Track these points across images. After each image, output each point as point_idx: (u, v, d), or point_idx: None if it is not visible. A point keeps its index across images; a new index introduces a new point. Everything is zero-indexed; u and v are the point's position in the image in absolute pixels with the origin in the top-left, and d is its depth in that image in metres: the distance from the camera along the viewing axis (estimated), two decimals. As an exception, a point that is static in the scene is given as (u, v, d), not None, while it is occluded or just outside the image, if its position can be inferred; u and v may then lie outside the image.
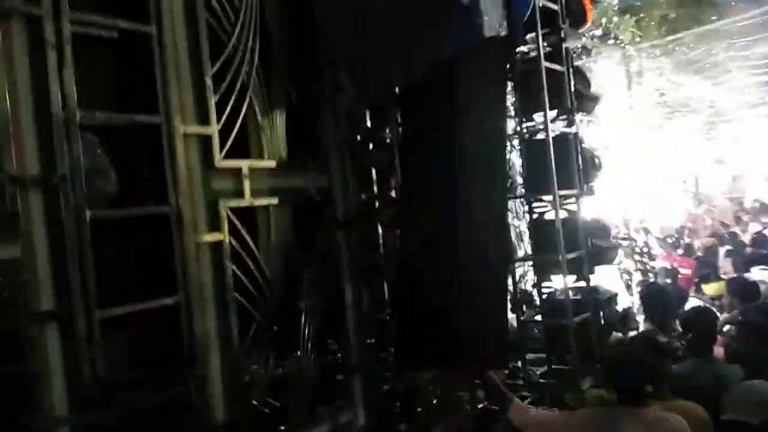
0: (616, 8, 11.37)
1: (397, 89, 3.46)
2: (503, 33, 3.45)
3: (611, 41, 12.36)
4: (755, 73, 16.16)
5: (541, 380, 4.40)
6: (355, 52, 3.14)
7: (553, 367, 4.58)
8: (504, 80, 3.74)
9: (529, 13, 3.94)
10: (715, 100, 18.58)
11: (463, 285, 3.36)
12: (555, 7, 4.41)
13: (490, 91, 3.46)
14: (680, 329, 4.43)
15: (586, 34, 11.45)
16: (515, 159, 4.92)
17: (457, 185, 3.34)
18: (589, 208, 4.89)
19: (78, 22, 2.38)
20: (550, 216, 4.50)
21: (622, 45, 12.47)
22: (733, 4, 13.84)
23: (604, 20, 11.33)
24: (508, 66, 3.86)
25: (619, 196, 12.53)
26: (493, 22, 3.30)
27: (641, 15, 13.20)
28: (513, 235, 5.36)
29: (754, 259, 7.55)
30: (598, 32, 11.30)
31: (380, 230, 3.65)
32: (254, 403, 2.88)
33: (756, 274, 7.01)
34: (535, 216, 4.59)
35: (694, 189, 17.11)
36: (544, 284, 4.60)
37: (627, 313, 4.75)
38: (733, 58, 15.01)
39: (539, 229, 4.54)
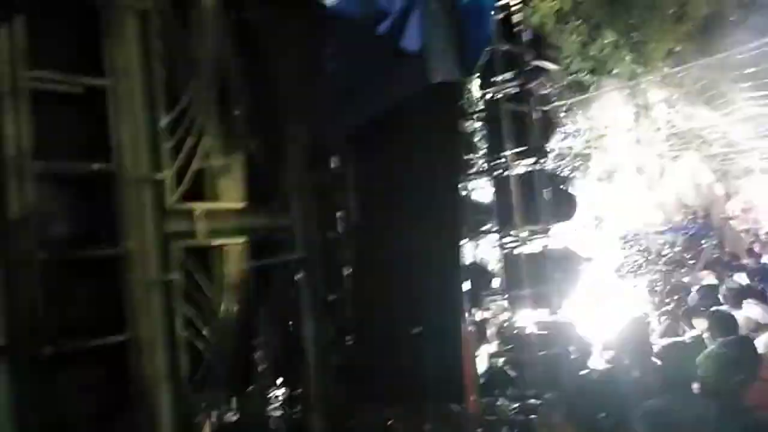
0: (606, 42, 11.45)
1: (352, 133, 3.61)
2: (456, 77, 3.60)
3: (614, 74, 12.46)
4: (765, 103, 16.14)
5: (512, 415, 4.43)
6: (309, 98, 3.31)
7: (527, 402, 4.61)
8: (457, 121, 3.87)
9: (486, 58, 4.09)
10: (727, 131, 18.53)
11: (416, 324, 3.45)
12: (520, 51, 4.56)
13: (443, 133, 3.60)
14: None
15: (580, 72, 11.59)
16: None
17: (409, 226, 3.46)
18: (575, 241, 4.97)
19: (38, 78, 2.59)
20: (525, 250, 4.59)
21: (623, 79, 12.57)
22: (738, 34, 13.90)
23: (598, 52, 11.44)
24: (462, 107, 4.00)
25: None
26: (444, 68, 3.45)
27: (642, 49, 13.28)
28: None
29: (747, 292, 7.45)
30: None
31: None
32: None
33: (746, 308, 6.93)
34: (505, 251, 4.67)
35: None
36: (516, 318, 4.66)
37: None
38: (742, 88, 15.02)
39: (509, 264, 4.62)
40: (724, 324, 5.30)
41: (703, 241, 14.13)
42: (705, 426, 3.66)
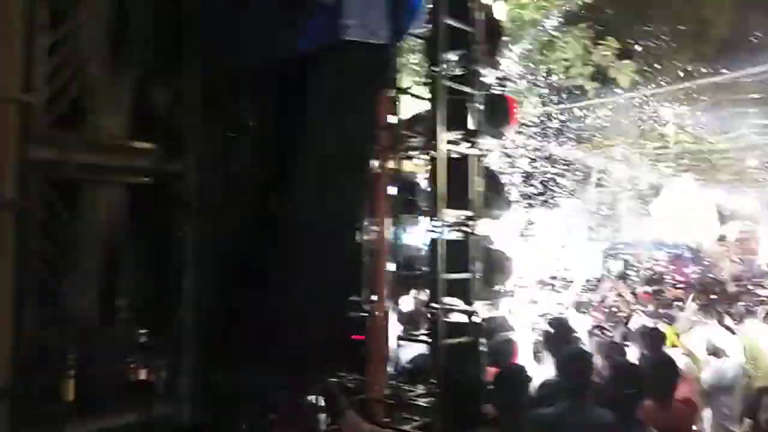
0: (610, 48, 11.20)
1: (262, 84, 3.44)
2: (378, 40, 3.43)
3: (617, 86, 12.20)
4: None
5: (410, 401, 4.28)
6: (213, 33, 3.15)
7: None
8: (377, 86, 3.68)
9: (425, 29, 3.91)
10: (736, 158, 18.22)
11: (304, 289, 3.32)
12: (468, 28, 4.34)
13: (360, 95, 3.44)
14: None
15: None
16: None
17: (311, 190, 3.32)
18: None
19: None
20: (450, 236, 4.42)
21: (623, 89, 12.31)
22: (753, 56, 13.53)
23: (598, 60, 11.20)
24: (387, 77, 3.79)
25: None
26: (361, 27, 3.28)
27: (650, 61, 13.00)
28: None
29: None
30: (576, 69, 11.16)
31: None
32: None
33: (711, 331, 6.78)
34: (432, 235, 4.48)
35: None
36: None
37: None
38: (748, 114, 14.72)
39: (436, 249, 4.43)
40: (646, 339, 5.20)
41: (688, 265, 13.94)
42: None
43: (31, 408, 2.70)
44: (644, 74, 12.51)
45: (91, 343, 2.93)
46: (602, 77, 11.46)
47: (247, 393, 3.53)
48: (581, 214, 16.65)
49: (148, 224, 3.29)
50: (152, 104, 3.19)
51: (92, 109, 3.05)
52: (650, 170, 17.27)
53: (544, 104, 12.78)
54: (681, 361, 5.12)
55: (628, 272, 13.16)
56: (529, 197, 13.45)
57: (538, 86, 11.51)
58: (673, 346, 6.20)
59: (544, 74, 11.27)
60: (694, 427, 4.36)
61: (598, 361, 4.77)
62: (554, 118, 12.94)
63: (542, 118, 12.51)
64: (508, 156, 13.04)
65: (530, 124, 12.26)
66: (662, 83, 13.55)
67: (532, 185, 14.06)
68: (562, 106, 12.81)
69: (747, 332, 7.19)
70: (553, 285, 11.19)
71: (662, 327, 6.60)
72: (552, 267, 12.86)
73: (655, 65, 13.59)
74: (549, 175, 13.78)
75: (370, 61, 3.45)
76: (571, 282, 9.74)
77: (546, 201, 13.65)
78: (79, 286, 2.97)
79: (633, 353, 5.43)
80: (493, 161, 12.05)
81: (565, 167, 14.95)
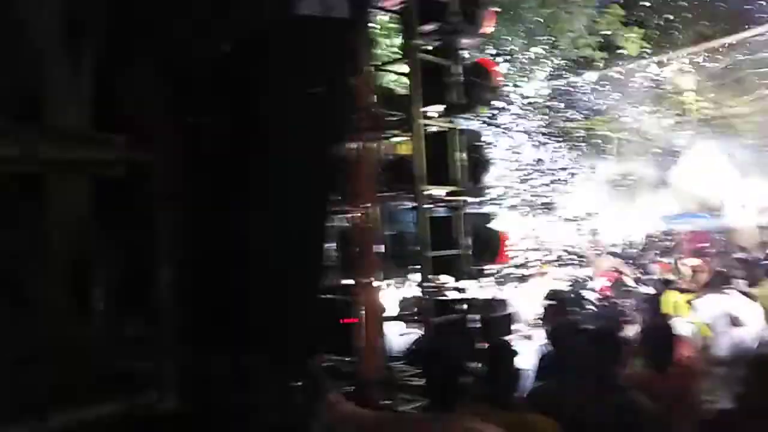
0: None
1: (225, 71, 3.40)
2: (343, 14, 3.35)
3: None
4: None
5: (404, 382, 4.25)
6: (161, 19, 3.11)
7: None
8: (343, 65, 3.61)
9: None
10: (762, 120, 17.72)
11: (277, 272, 3.29)
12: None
13: (323, 75, 3.37)
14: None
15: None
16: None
17: (273, 172, 3.27)
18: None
19: None
20: (437, 213, 4.37)
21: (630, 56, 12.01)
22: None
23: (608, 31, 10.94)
24: (354, 52, 3.73)
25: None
26: (322, 1, 3.21)
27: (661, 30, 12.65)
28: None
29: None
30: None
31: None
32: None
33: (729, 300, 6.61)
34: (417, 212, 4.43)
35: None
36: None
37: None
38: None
39: (424, 226, 4.38)
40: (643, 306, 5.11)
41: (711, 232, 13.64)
42: (583, 408, 3.45)
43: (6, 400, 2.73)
44: (655, 41, 12.19)
45: (66, 335, 2.94)
46: (610, 47, 11.21)
47: (230, 379, 3.53)
48: (600, 187, 16.41)
49: (119, 215, 3.28)
50: (115, 94, 3.16)
51: (53, 101, 3.03)
52: (670, 139, 16.91)
53: (552, 77, 12.56)
54: (685, 329, 5.01)
55: (649, 243, 12.95)
56: (543, 173, 13.28)
57: (545, 60, 11.31)
58: (680, 314, 6.07)
59: (550, 47, 11.06)
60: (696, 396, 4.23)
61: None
62: (563, 91, 12.71)
63: (550, 92, 12.30)
64: (525, 133, 12.90)
65: (539, 98, 12.08)
66: (674, 48, 13.20)
67: (547, 161, 13.87)
68: (571, 78, 12.57)
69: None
70: (571, 260, 11.11)
71: (675, 296, 6.48)
72: (570, 242, 12.75)
73: (668, 31, 13.24)
74: (562, 151, 13.57)
75: (332, 39, 3.38)
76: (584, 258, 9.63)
77: (560, 178, 13.44)
78: (50, 280, 2.98)
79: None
80: (501, 139, 11.96)
81: (580, 141, 14.72)
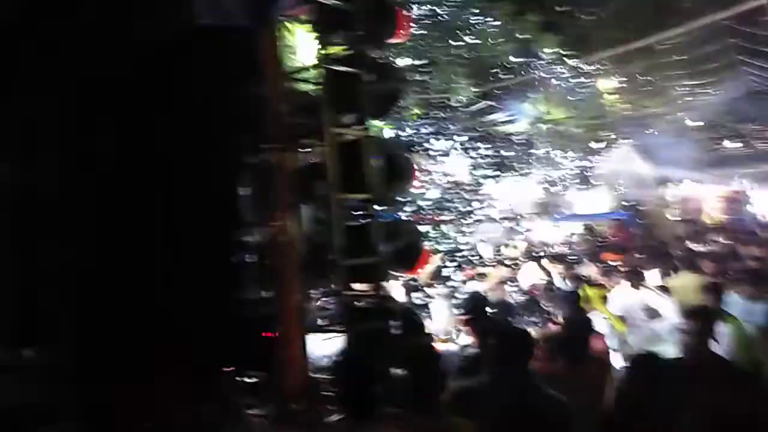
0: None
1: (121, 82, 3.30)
2: (244, 23, 3.33)
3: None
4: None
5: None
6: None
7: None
8: (246, 75, 3.57)
9: (298, 9, 3.81)
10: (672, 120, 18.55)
11: (183, 291, 3.22)
12: (348, 8, 4.25)
13: (225, 86, 3.33)
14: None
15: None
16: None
17: (183, 185, 3.21)
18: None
19: None
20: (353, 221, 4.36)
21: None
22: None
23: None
24: (256, 62, 3.69)
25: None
26: (223, 9, 3.17)
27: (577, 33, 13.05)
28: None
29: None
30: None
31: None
32: None
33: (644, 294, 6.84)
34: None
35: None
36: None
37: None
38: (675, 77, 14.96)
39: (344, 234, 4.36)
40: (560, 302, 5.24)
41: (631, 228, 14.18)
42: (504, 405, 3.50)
43: None
44: (570, 45, 12.58)
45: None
46: (526, 51, 11.50)
47: (140, 407, 3.40)
48: (529, 191, 16.79)
49: (6, 239, 3.14)
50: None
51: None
52: (590, 141, 17.48)
53: (477, 85, 12.75)
54: (601, 324, 5.16)
55: (572, 241, 13.36)
56: (470, 178, 13.45)
57: (464, 67, 11.49)
58: (596, 309, 6.25)
59: (469, 55, 11.26)
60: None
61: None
62: (487, 98, 12.95)
63: (474, 100, 12.51)
64: (450, 138, 13.04)
65: (463, 106, 12.28)
66: (589, 53, 13.64)
67: (473, 166, 14.04)
68: (492, 85, 12.83)
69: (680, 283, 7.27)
70: (499, 262, 11.31)
71: (592, 291, 6.66)
72: (499, 245, 12.98)
73: (582, 35, 13.65)
74: (492, 157, 13.79)
75: (233, 48, 3.35)
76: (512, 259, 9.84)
77: (485, 183, 13.64)
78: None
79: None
80: (425, 146, 12.07)
81: (506, 144, 14.99)
